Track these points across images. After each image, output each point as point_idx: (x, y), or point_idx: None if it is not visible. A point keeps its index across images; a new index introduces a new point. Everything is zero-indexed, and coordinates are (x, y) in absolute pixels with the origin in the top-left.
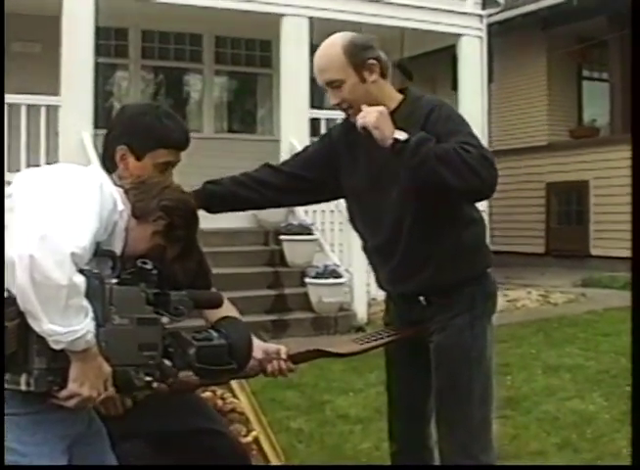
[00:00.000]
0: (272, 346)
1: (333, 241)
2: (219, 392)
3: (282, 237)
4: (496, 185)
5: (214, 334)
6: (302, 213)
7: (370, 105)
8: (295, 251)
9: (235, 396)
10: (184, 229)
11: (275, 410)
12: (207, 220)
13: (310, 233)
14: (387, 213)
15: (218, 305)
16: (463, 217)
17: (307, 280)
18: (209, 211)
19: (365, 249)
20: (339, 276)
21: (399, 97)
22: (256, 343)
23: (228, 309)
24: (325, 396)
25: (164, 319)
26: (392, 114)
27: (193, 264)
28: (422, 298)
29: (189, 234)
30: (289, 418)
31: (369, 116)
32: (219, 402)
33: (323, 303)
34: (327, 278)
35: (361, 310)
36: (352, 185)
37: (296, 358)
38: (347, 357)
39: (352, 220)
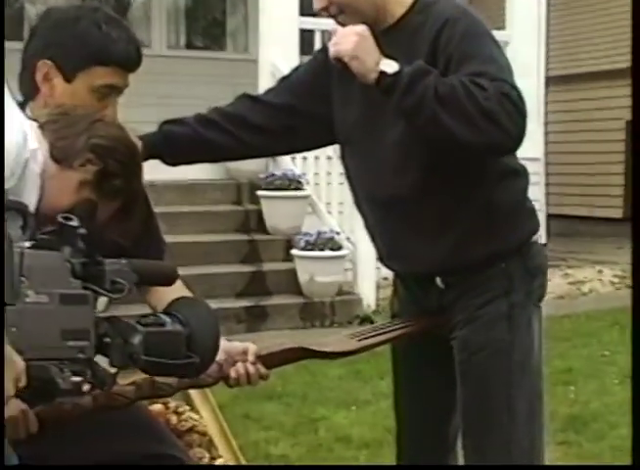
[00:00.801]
0: (236, 344)
1: (330, 199)
2: (173, 404)
3: (260, 193)
4: (524, 136)
5: (167, 319)
6: (289, 161)
7: (367, 9)
8: (277, 212)
9: (195, 410)
10: (122, 178)
11: (250, 430)
12: (159, 170)
13: (299, 188)
14: (385, 163)
15: (171, 280)
16: (495, 167)
17: (295, 252)
18: (167, 161)
19: (361, 211)
20: (337, 247)
21: (409, 0)
22: None
23: (182, 292)
24: (318, 410)
25: (100, 302)
26: (397, 25)
27: (136, 228)
28: (439, 279)
29: (130, 186)
30: (268, 441)
31: (344, 41)
32: (173, 419)
33: (316, 283)
34: (321, 250)
35: (368, 294)
36: (343, 124)
37: (269, 360)
38: (341, 359)
39: (347, 174)
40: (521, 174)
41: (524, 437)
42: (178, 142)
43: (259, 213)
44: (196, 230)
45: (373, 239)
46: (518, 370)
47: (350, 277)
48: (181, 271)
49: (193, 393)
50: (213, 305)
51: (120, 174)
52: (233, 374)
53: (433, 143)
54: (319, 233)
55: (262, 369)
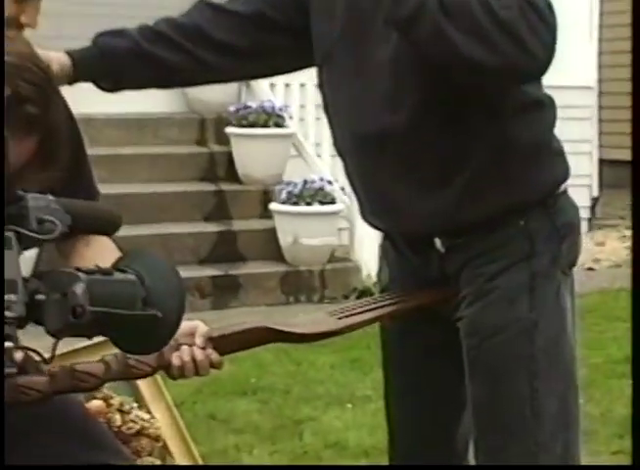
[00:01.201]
0: (182, 323)
1: (320, 138)
2: (116, 400)
3: (230, 130)
4: (552, 57)
5: (115, 272)
6: (266, 88)
7: None
8: (252, 155)
9: (145, 408)
10: (37, 105)
11: (216, 434)
12: (97, 100)
13: (280, 124)
14: (373, 89)
15: (115, 227)
16: (514, 97)
17: (274, 207)
18: (103, 86)
19: (341, 154)
20: (329, 200)
21: None
22: None
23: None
24: (303, 409)
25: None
26: None
27: (59, 176)
28: (438, 241)
29: (47, 116)
30: (240, 448)
31: None
32: (117, 419)
33: (301, 247)
34: (309, 203)
35: (368, 261)
36: (322, 39)
37: (223, 344)
38: (333, 344)
39: (325, 107)
40: (546, 106)
41: (554, 443)
42: (118, 60)
43: (229, 157)
44: (146, 178)
45: (354, 189)
46: (544, 358)
47: (346, 239)
48: (126, 232)
49: (142, 385)
50: None
51: (35, 100)
52: (176, 361)
53: (434, 65)
54: (305, 182)
55: (214, 355)
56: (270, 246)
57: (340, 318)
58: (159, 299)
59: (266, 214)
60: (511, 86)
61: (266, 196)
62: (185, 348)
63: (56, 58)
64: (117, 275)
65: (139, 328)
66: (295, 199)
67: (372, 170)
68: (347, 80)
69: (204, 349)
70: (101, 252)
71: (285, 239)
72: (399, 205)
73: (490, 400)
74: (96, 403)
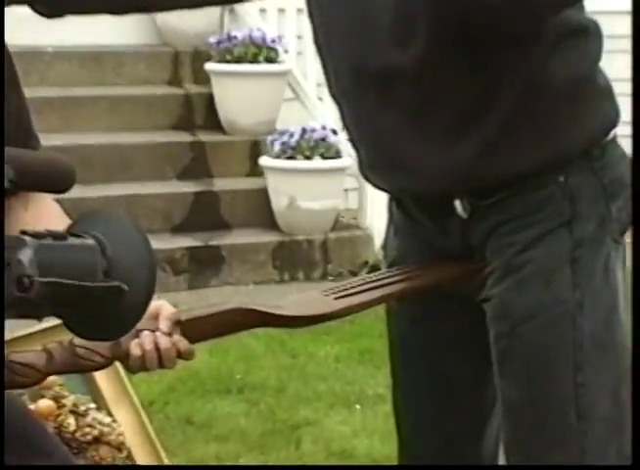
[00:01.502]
0: None
1: (322, 77)
2: (69, 400)
3: (211, 67)
4: None
5: (69, 237)
6: (255, 15)
7: None
8: (238, 98)
9: (106, 409)
10: None
11: (193, 442)
12: (45, 29)
13: (273, 59)
14: (379, 14)
15: (67, 183)
16: (549, 25)
17: (266, 162)
18: (43, 10)
19: (336, 98)
20: (333, 154)
21: None
22: None
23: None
24: (301, 411)
25: None
26: None
27: None
28: (459, 203)
29: None
30: (222, 458)
31: None
32: (70, 423)
33: (299, 211)
34: (308, 158)
35: (381, 229)
36: None
37: (195, 329)
38: (333, 331)
39: (315, 38)
40: (590, 34)
41: (604, 449)
42: None
43: (209, 100)
44: (106, 126)
45: (353, 142)
46: (591, 346)
47: (354, 202)
48: (80, 193)
49: (102, 382)
50: None
51: None
52: (135, 350)
53: None
54: (304, 131)
55: (182, 343)
56: (260, 210)
57: (337, 298)
58: (123, 269)
59: (256, 171)
60: (548, 10)
61: (255, 148)
62: (147, 333)
63: None
64: (73, 240)
65: (99, 305)
66: (291, 152)
67: (375, 117)
68: (346, 3)
69: (170, 335)
70: (44, 216)
71: (278, 202)
72: (410, 159)
73: (526, 400)
74: (45, 404)
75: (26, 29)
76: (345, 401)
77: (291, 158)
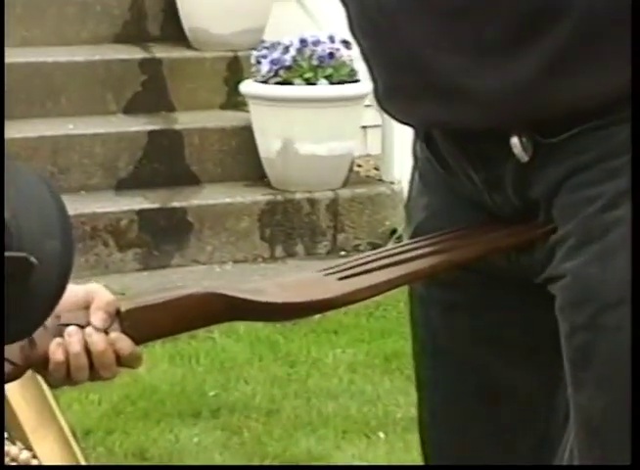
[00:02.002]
0: (73, 288)
1: None
2: None
3: None
4: None
5: None
6: None
7: None
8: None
9: (21, 440)
10: None
11: None
12: None
13: None
14: None
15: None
16: None
17: (250, 88)
18: None
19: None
20: (346, 76)
21: None
22: None
23: None
24: (302, 441)
25: None
26: None
27: None
28: (517, 141)
29: None
30: None
31: None
32: None
33: (297, 158)
34: (309, 81)
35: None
36: None
37: (142, 323)
38: (321, 324)
39: None
40: None
41: None
42: None
43: (168, 2)
44: (23, 39)
45: (365, 55)
46: None
47: (375, 145)
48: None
49: (18, 404)
50: (77, 205)
51: None
52: (56, 354)
53: None
54: (304, 44)
55: (123, 343)
56: (242, 158)
57: (341, 279)
58: (29, 238)
59: (235, 102)
60: None
61: (235, 69)
62: (73, 330)
63: None
64: None
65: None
66: (285, 74)
67: (400, 20)
68: None
69: (105, 332)
70: None
71: (268, 145)
72: (448, 78)
73: (614, 416)
74: None
75: None
76: (364, 428)
77: (285, 82)
